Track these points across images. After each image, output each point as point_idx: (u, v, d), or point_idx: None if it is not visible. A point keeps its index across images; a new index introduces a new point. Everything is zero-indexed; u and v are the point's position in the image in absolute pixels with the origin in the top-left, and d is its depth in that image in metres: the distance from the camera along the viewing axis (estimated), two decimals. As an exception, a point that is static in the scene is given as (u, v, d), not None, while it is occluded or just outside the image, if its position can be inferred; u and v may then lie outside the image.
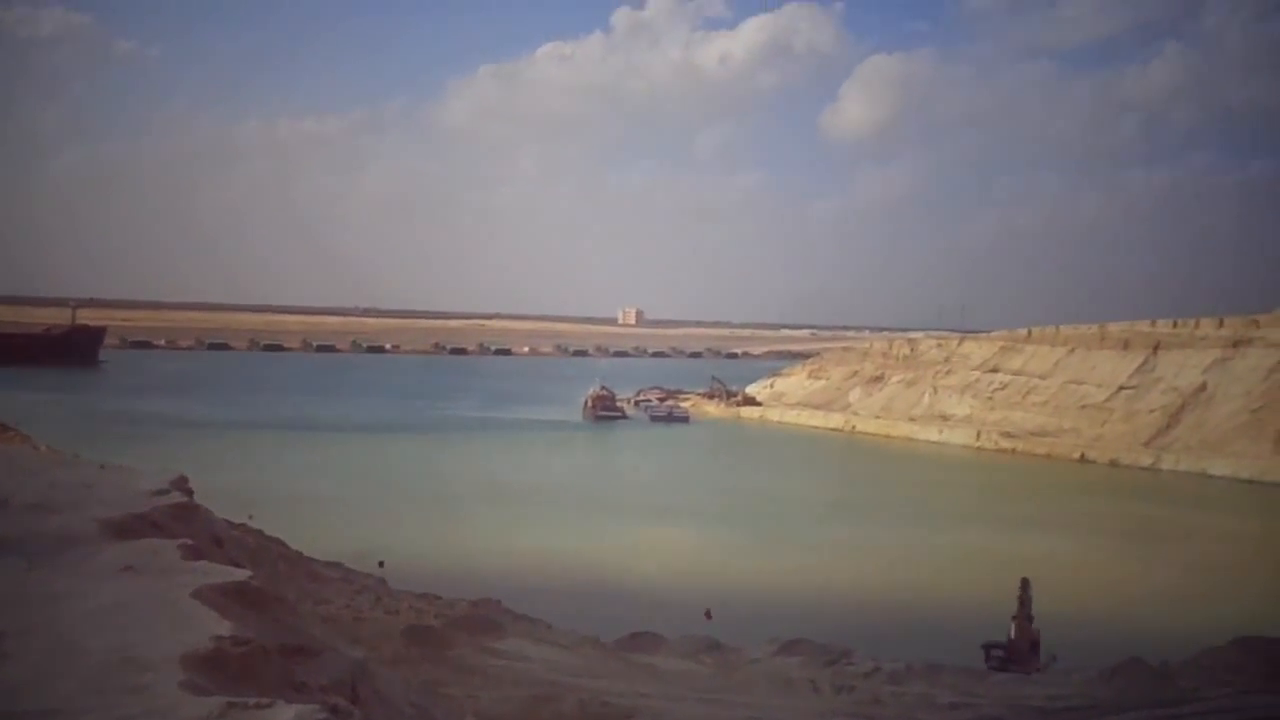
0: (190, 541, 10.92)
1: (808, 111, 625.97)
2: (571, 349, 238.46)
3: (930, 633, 30.99)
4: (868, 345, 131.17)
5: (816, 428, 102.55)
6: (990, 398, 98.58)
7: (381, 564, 31.05)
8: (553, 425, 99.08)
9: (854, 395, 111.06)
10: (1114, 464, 79.86)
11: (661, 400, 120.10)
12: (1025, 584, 29.89)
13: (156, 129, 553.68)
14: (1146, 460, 79.27)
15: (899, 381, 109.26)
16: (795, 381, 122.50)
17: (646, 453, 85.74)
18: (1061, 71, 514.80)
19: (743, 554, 44.83)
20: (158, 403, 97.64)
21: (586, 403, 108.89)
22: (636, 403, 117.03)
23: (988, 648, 29.13)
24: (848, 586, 39.10)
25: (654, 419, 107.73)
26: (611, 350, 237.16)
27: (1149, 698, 19.78)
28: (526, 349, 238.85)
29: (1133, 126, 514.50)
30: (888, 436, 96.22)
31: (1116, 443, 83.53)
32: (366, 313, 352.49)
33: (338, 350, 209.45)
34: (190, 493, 14.84)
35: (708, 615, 31.44)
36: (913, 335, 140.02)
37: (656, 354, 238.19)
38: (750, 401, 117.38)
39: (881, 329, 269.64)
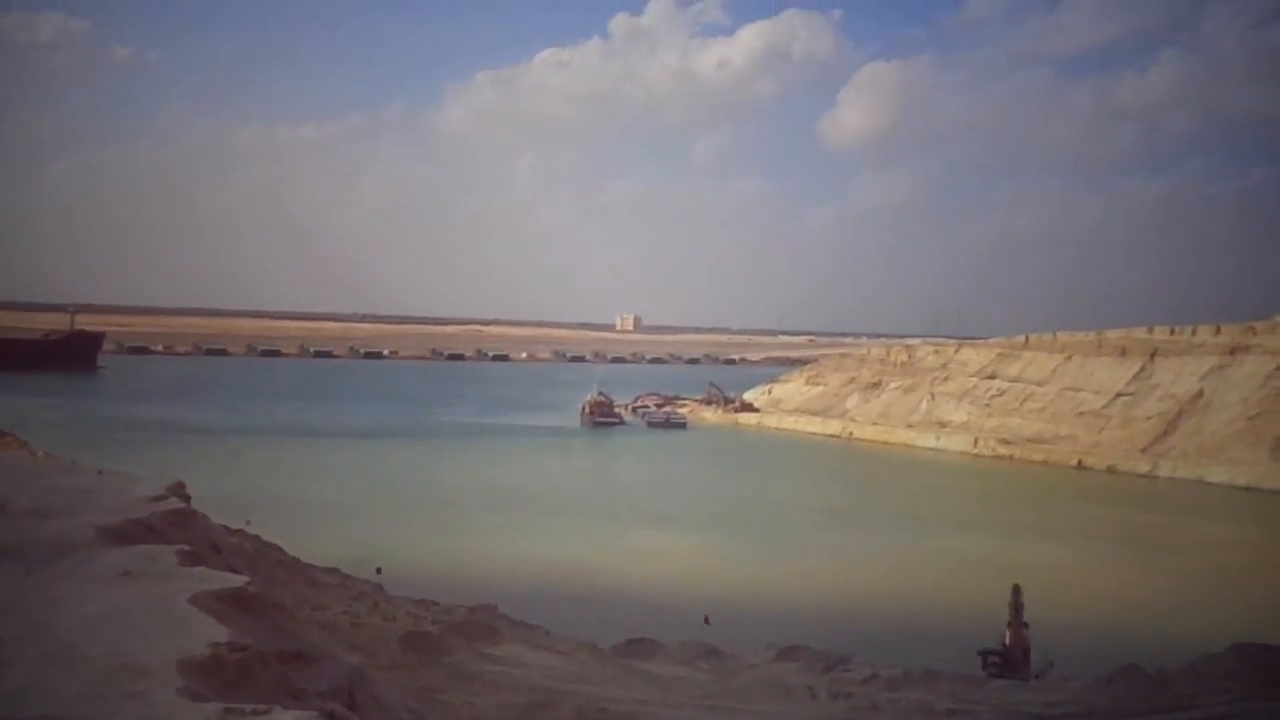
0: (188, 547, 10.93)
1: (806, 118, 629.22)
2: (569, 355, 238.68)
3: (928, 639, 31.02)
4: (865, 352, 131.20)
5: (814, 434, 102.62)
6: (988, 404, 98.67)
7: (379, 570, 31.14)
8: (550, 431, 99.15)
9: (851, 402, 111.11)
10: (1111, 470, 79.89)
11: (659, 406, 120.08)
12: (1016, 590, 30.02)
13: (155, 134, 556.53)
14: (1144, 467, 79.36)
15: (896, 388, 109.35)
16: (793, 388, 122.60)
17: (644, 459, 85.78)
18: (1059, 78, 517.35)
19: (740, 560, 44.86)
20: (155, 408, 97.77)
21: (584, 409, 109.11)
22: (634, 409, 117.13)
23: (985, 654, 29.18)
24: (845, 593, 39.17)
25: (651, 425, 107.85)
26: (609, 356, 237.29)
27: (1146, 704, 19.79)
28: (524, 355, 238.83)
29: (1131, 134, 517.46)
30: (885, 443, 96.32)
31: (1114, 449, 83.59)
32: (364, 318, 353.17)
33: (335, 356, 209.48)
34: (188, 498, 14.84)
35: (706, 620, 31.52)
36: (910, 342, 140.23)
37: (654, 360, 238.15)
38: (748, 407, 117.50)
39: (879, 335, 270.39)
